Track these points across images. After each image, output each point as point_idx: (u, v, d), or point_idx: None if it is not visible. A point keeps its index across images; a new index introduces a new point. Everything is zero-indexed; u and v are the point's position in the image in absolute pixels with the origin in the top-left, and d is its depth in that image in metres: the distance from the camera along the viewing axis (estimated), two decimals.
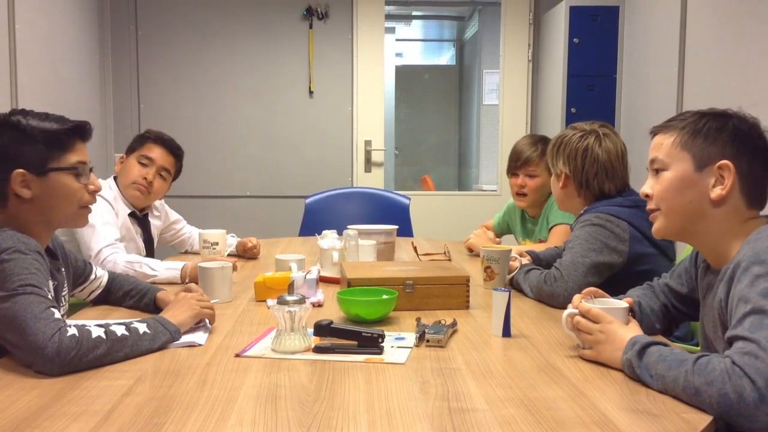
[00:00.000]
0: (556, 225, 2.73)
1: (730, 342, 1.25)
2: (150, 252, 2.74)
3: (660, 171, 1.51)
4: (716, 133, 1.44)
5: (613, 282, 1.97)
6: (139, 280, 2.05)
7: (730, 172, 1.42)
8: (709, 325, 1.50)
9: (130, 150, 2.70)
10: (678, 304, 1.71)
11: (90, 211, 1.71)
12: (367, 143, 5.09)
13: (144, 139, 2.70)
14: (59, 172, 1.60)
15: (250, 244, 2.82)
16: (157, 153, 2.67)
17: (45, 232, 1.64)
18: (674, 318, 1.74)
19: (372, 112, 5.14)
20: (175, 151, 2.73)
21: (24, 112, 1.60)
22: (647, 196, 1.54)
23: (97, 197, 2.46)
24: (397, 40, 7.32)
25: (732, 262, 1.37)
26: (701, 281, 1.58)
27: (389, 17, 5.87)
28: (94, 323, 1.50)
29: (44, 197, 1.59)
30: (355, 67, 5.08)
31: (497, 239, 3.08)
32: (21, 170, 1.56)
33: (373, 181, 5.12)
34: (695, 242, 1.53)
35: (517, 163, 2.91)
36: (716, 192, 1.43)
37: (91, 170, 1.68)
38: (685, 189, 1.47)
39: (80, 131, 1.66)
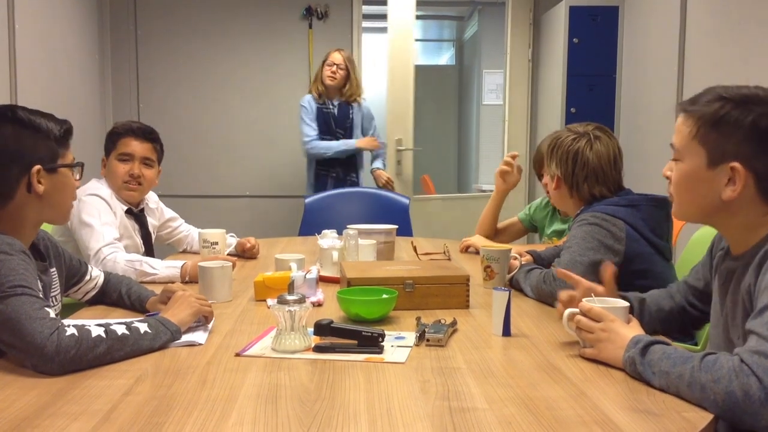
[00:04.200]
0: None
1: (747, 333, 1.24)
2: (148, 247, 2.72)
3: (676, 159, 1.47)
4: (733, 128, 1.37)
5: None
6: (133, 282, 2.03)
7: (741, 175, 1.37)
8: (729, 309, 1.45)
9: (107, 151, 2.66)
10: (696, 302, 1.69)
11: (72, 207, 1.74)
12: None
13: (115, 136, 2.64)
14: (65, 169, 1.65)
15: (248, 245, 2.81)
16: (133, 146, 2.62)
17: (32, 231, 1.65)
18: (693, 319, 1.72)
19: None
20: (148, 136, 2.67)
21: (22, 109, 1.61)
22: (667, 177, 1.51)
23: (95, 197, 2.48)
24: None
25: (764, 247, 1.34)
26: (719, 267, 1.54)
27: None
28: (94, 323, 1.50)
29: (52, 193, 1.62)
30: None
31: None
32: (38, 166, 1.59)
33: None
34: (715, 227, 1.51)
35: (535, 166, 2.98)
36: (727, 193, 1.39)
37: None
38: (697, 184, 1.43)
39: (72, 130, 1.69)
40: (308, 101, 4.35)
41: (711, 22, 3.46)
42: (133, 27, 4.94)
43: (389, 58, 4.94)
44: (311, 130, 4.29)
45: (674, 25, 3.78)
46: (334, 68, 4.32)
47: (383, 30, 5.01)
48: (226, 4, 4.97)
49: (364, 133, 4.47)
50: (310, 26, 4.99)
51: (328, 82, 4.33)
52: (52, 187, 1.62)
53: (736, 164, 1.37)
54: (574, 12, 4.55)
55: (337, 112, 4.39)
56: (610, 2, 4.58)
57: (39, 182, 1.59)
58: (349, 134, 4.42)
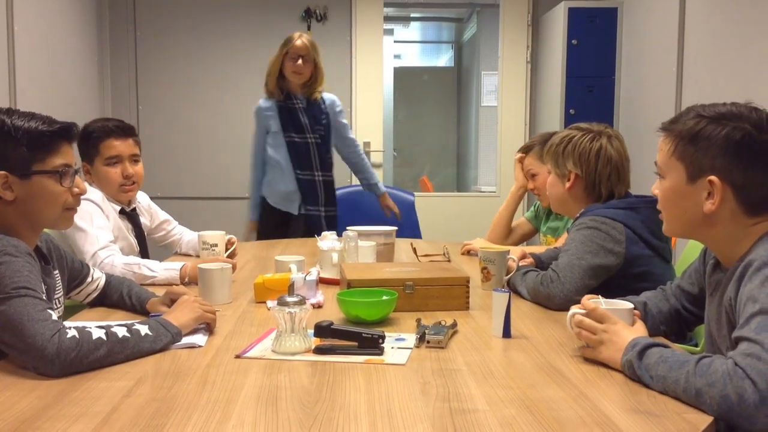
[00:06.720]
0: None
1: (736, 342, 1.26)
2: (143, 246, 2.70)
3: (660, 177, 1.52)
4: (708, 142, 1.41)
5: (609, 284, 1.98)
6: (133, 284, 2.03)
7: (718, 188, 1.40)
8: (713, 322, 1.50)
9: (89, 156, 2.55)
10: (689, 306, 1.70)
11: (75, 212, 1.69)
12: (366, 144, 5.09)
13: (95, 140, 2.53)
14: (42, 175, 1.58)
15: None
16: (117, 146, 2.54)
17: (31, 233, 1.62)
18: (687, 321, 1.73)
19: (371, 113, 5.15)
20: (129, 132, 2.59)
21: (9, 112, 1.57)
22: (655, 195, 1.56)
23: (86, 201, 2.45)
24: (395, 41, 7.32)
25: (744, 261, 1.37)
26: (709, 278, 1.57)
27: (388, 19, 5.87)
28: (95, 324, 1.50)
29: (27, 199, 1.57)
30: (353, 69, 5.08)
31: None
32: (3, 172, 1.54)
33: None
34: (703, 242, 1.54)
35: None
36: (707, 206, 1.42)
37: (77, 172, 1.66)
38: (679, 200, 1.47)
39: (66, 133, 1.63)
40: (263, 107, 3.67)
41: (710, 23, 3.47)
42: (132, 28, 4.94)
43: (357, 58, 4.98)
44: (257, 154, 3.78)
45: (673, 26, 3.78)
46: (300, 61, 3.51)
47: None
48: (225, 6, 4.97)
49: (336, 133, 3.71)
50: (309, 28, 4.99)
51: (293, 79, 3.56)
52: (26, 193, 1.56)
53: (713, 178, 1.40)
54: (573, 13, 4.55)
55: (306, 106, 3.61)
56: (609, 3, 4.58)
57: (9, 189, 1.55)
58: (327, 135, 3.66)
